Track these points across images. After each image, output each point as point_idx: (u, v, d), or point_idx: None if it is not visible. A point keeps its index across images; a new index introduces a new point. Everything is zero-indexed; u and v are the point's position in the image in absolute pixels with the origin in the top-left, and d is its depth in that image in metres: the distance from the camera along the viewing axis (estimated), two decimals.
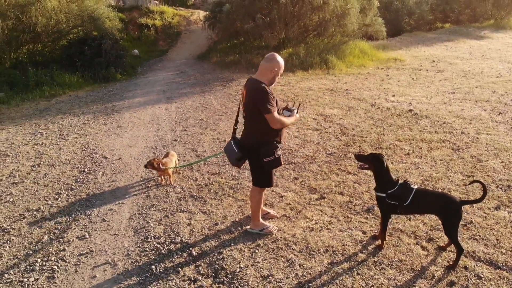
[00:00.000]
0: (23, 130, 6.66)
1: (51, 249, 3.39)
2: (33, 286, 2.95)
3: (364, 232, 3.50)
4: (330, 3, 11.51)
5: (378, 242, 3.31)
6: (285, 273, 3.00)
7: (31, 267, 3.15)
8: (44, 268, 3.15)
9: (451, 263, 3.02)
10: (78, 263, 3.20)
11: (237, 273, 3.02)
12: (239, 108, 3.32)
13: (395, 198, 3.02)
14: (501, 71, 10.46)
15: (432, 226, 3.52)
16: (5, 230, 3.68)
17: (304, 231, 3.54)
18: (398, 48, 14.95)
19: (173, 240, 3.46)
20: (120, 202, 4.19)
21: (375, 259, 3.13)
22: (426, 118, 6.55)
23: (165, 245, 3.40)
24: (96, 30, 12.32)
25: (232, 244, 3.39)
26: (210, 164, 5.11)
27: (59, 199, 4.28)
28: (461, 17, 21.54)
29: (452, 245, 3.07)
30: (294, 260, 3.15)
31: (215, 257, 3.22)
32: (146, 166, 4.36)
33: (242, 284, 2.90)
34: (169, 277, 3.00)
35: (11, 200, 4.27)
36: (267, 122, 3.04)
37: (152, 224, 3.73)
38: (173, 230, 3.62)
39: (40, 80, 9.69)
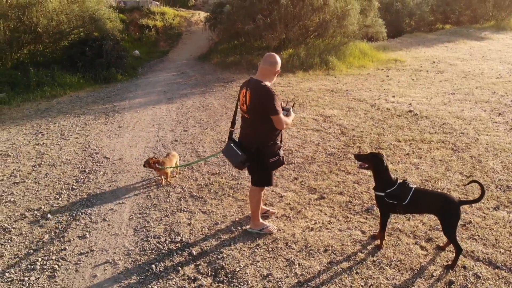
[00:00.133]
0: (24, 130, 6.69)
1: (51, 248, 3.41)
2: (34, 285, 2.97)
3: (363, 232, 3.51)
4: (331, 4, 11.53)
5: (377, 241, 3.32)
6: (284, 273, 3.02)
7: (32, 266, 3.17)
8: (45, 267, 3.16)
9: (450, 262, 3.03)
10: (79, 262, 3.22)
11: (236, 272, 3.03)
12: (236, 109, 3.33)
13: (394, 197, 3.04)
14: (501, 72, 10.47)
15: (431, 226, 3.53)
16: (6, 230, 3.70)
17: (304, 231, 3.55)
18: (399, 49, 14.97)
19: (173, 240, 3.48)
20: (121, 201, 4.21)
21: (374, 258, 3.14)
22: (426, 119, 6.57)
23: (165, 245, 3.42)
24: (97, 31, 12.37)
25: (232, 244, 3.40)
26: (210, 164, 5.13)
27: (60, 199, 4.31)
28: (461, 18, 21.55)
29: (451, 245, 3.08)
30: (294, 259, 3.16)
31: (215, 256, 3.24)
32: (144, 165, 4.43)
33: (242, 283, 2.91)
34: (169, 276, 3.02)
35: (12, 199, 4.29)
36: (271, 123, 3.07)
37: (152, 224, 3.75)
38: (173, 230, 3.63)
39: (41, 81, 9.73)
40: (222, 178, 4.71)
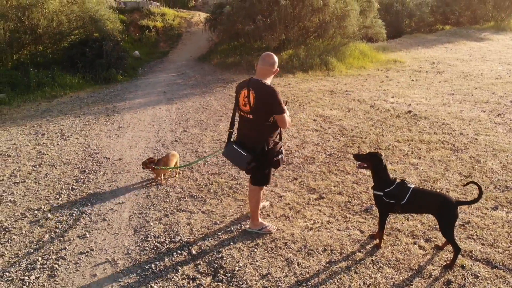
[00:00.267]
0: (25, 131, 6.70)
1: (51, 248, 3.42)
2: (34, 284, 2.98)
3: (362, 232, 3.52)
4: (330, 5, 11.56)
5: (376, 241, 3.33)
6: (283, 272, 3.03)
7: (32, 266, 3.18)
8: (45, 266, 3.18)
9: (448, 262, 3.04)
10: (79, 262, 3.23)
11: (236, 271, 3.05)
12: (234, 111, 3.31)
13: (392, 196, 3.06)
14: (501, 72, 10.49)
15: (430, 226, 3.54)
16: (7, 229, 3.71)
17: (303, 231, 3.57)
18: (398, 49, 14.99)
19: (172, 239, 3.49)
20: (121, 201, 4.22)
21: (373, 258, 3.15)
22: (425, 119, 6.58)
23: (165, 244, 3.43)
24: (97, 31, 12.40)
25: (231, 243, 3.41)
26: (209, 164, 5.15)
27: (60, 198, 4.32)
28: (461, 19, 21.59)
29: (450, 244, 3.09)
30: (293, 259, 3.17)
31: (214, 256, 3.25)
32: (142, 167, 4.52)
33: (241, 283, 2.93)
34: (168, 276, 3.03)
35: (12, 199, 4.31)
36: (273, 122, 3.12)
37: (152, 224, 3.76)
38: (173, 230, 3.65)
39: (41, 81, 9.75)
40: (221, 178, 4.72)
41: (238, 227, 3.66)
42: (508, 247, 3.25)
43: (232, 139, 3.37)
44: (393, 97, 8.16)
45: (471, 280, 2.89)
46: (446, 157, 5.04)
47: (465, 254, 3.16)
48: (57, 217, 3.93)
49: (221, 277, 2.99)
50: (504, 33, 19.21)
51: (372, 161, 3.15)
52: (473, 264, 3.05)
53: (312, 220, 3.73)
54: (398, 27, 19.30)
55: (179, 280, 2.98)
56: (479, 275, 2.93)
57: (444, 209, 2.94)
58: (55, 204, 4.19)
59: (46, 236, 3.61)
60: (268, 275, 3.00)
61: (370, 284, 2.88)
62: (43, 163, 5.30)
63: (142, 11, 19.10)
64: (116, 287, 2.93)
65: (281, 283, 2.91)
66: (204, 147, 5.73)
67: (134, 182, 4.69)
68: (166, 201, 4.20)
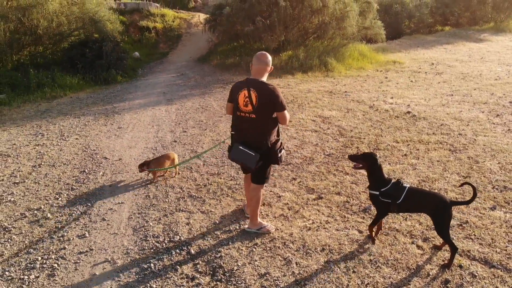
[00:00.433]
0: (24, 131, 6.72)
1: (51, 248, 3.43)
2: (34, 283, 2.99)
3: (360, 232, 3.54)
4: (330, 6, 11.60)
5: (371, 236, 3.37)
6: (282, 271, 3.04)
7: (32, 265, 3.19)
8: (45, 266, 3.19)
9: (446, 261, 3.06)
10: (78, 261, 3.24)
11: (234, 271, 3.06)
12: (234, 112, 3.29)
13: (388, 196, 3.09)
14: (500, 73, 10.52)
15: (428, 226, 3.56)
16: (6, 229, 3.73)
17: (301, 230, 3.58)
18: (398, 50, 15.03)
19: (172, 239, 3.51)
20: (120, 201, 4.23)
21: (371, 257, 3.17)
22: (424, 120, 6.60)
23: (164, 244, 3.44)
24: (97, 32, 12.42)
25: (230, 243, 3.43)
26: (209, 164, 5.16)
27: (60, 198, 4.33)
28: (461, 20, 21.64)
29: (443, 244, 3.12)
30: (291, 258, 3.19)
31: (213, 255, 3.26)
32: (139, 170, 4.63)
33: (240, 282, 2.94)
34: (167, 275, 3.04)
35: (12, 199, 4.32)
36: (274, 120, 3.20)
37: (151, 224, 3.78)
38: (172, 229, 3.66)
39: (41, 82, 9.77)
40: (220, 178, 4.73)
41: (237, 227, 3.67)
42: (506, 247, 3.26)
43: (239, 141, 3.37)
44: (392, 97, 8.18)
45: (468, 280, 2.90)
46: (444, 158, 5.06)
47: (463, 254, 3.18)
48: (57, 217, 3.95)
49: (219, 277, 3.01)
50: (504, 34, 19.26)
51: (367, 161, 3.19)
52: (471, 264, 3.07)
53: (310, 220, 3.75)
54: (397, 28, 19.33)
55: (178, 280, 2.99)
56: (476, 274, 2.95)
57: (438, 209, 2.97)
58: (54, 204, 4.20)
59: (46, 235, 3.62)
60: (267, 275, 3.01)
61: (368, 283, 2.89)
62: (43, 163, 5.31)
63: (142, 12, 19.14)
64: (115, 286, 2.94)
65: (279, 282, 2.93)
66: (203, 147, 5.74)
67: (133, 182, 4.71)
68: (165, 201, 4.21)
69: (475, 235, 3.43)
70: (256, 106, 3.10)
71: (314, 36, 13.18)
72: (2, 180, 4.82)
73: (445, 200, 2.99)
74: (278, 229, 3.60)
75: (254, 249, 3.33)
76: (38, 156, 5.57)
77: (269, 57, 3.23)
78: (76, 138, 6.33)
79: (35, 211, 4.06)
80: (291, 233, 3.54)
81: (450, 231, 3.42)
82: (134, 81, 11.59)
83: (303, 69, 11.11)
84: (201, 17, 20.42)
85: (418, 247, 3.29)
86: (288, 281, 2.94)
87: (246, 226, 3.63)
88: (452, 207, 3.00)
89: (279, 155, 3.28)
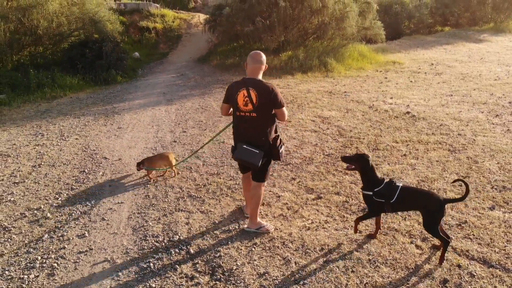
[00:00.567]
0: (24, 131, 6.73)
1: (51, 247, 3.44)
2: (33, 282, 3.00)
3: (359, 231, 3.54)
4: (329, 7, 11.61)
5: (373, 240, 3.37)
6: (281, 271, 3.05)
7: (32, 264, 3.20)
8: (44, 265, 3.20)
9: (444, 261, 3.07)
10: (78, 261, 3.25)
11: (233, 270, 3.07)
12: (235, 112, 3.32)
13: (382, 196, 3.12)
14: (499, 73, 10.53)
15: None
16: (6, 229, 3.74)
17: (301, 230, 3.59)
18: (397, 51, 15.04)
19: (171, 239, 3.51)
20: (120, 201, 4.24)
21: (370, 257, 3.17)
22: (423, 120, 6.61)
23: (163, 243, 3.45)
24: (97, 33, 12.43)
25: (229, 243, 3.44)
26: (208, 164, 5.17)
27: (60, 198, 4.34)
28: (460, 21, 21.66)
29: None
30: (290, 258, 3.19)
31: (212, 255, 3.27)
32: (137, 168, 4.73)
33: (239, 281, 2.95)
34: (166, 274, 3.05)
35: (12, 199, 4.33)
36: (273, 117, 3.27)
37: (150, 223, 3.78)
38: (171, 229, 3.67)
39: (41, 82, 9.79)
40: (220, 178, 4.74)
41: (236, 227, 3.68)
42: (505, 246, 3.27)
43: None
44: (391, 98, 8.20)
45: (467, 279, 2.91)
46: (443, 158, 5.07)
47: (461, 253, 3.18)
48: (57, 216, 3.96)
49: (219, 276, 3.01)
50: (503, 35, 19.28)
51: (359, 163, 3.23)
52: (470, 263, 3.07)
53: (310, 220, 3.75)
54: (397, 28, 19.35)
55: (177, 279, 3.00)
56: (475, 274, 2.95)
57: (432, 207, 3.01)
58: (54, 204, 4.21)
59: (46, 235, 3.63)
60: (266, 274, 3.02)
61: (367, 283, 2.90)
62: (42, 163, 5.32)
63: (142, 12, 19.15)
64: (114, 285, 2.95)
65: (278, 282, 2.93)
66: (203, 147, 5.74)
67: (133, 182, 4.72)
68: (165, 201, 4.22)
69: (474, 235, 3.43)
70: (257, 104, 3.15)
71: (313, 37, 13.20)
72: (2, 180, 4.83)
73: (438, 198, 3.04)
74: (277, 229, 3.61)
75: (253, 249, 3.34)
76: (38, 156, 5.58)
77: (264, 56, 3.28)
78: (76, 138, 6.34)
79: (35, 211, 4.07)
80: (290, 232, 3.55)
81: (449, 231, 3.44)
82: (134, 82, 11.60)
83: (302, 70, 11.12)
84: (201, 17, 20.43)
85: (417, 246, 3.29)
86: (287, 280, 2.95)
87: (246, 226, 3.64)
88: (446, 205, 3.04)
89: (280, 151, 3.34)
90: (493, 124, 6.33)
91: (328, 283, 2.91)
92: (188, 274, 3.04)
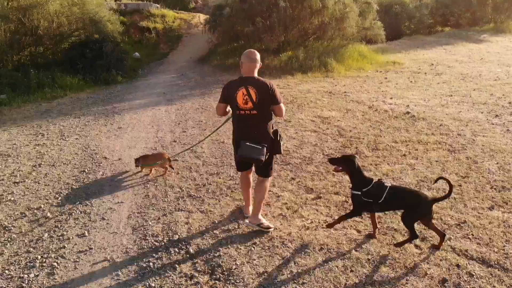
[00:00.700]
0: (25, 131, 6.74)
1: (51, 247, 3.45)
2: (33, 282, 3.01)
3: (358, 231, 3.55)
4: (329, 7, 11.62)
5: (373, 240, 3.38)
6: (280, 270, 3.06)
7: (32, 264, 3.21)
8: (44, 264, 3.21)
9: (443, 261, 3.08)
10: (78, 260, 3.26)
11: (233, 270, 3.08)
12: (234, 111, 3.34)
13: (370, 195, 3.16)
14: (499, 74, 10.53)
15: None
16: (6, 228, 3.75)
17: (300, 230, 3.59)
18: (397, 51, 15.03)
19: (171, 238, 3.52)
20: (119, 201, 4.25)
21: (369, 257, 3.18)
22: (423, 120, 6.62)
23: (163, 243, 3.46)
24: (97, 33, 12.45)
25: (229, 242, 3.44)
26: (208, 164, 5.18)
27: (60, 198, 4.35)
28: (461, 21, 21.63)
29: (446, 243, 3.17)
30: (290, 257, 3.20)
31: (212, 254, 3.28)
32: (135, 164, 4.83)
33: (238, 281, 2.95)
34: (166, 274, 3.06)
35: (12, 199, 4.34)
36: (271, 113, 3.34)
37: (150, 223, 3.79)
38: (171, 229, 3.68)
39: (41, 82, 9.81)
40: (220, 178, 4.75)
41: (236, 226, 3.69)
42: (504, 246, 3.27)
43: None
44: (391, 98, 8.20)
45: (466, 279, 2.91)
46: (443, 158, 5.07)
47: (460, 253, 3.19)
48: (57, 216, 3.97)
49: (218, 275, 3.02)
50: (503, 35, 19.26)
51: (346, 164, 3.29)
52: (469, 263, 3.08)
53: (309, 220, 3.76)
54: (397, 29, 19.32)
55: (177, 278, 3.01)
56: (474, 273, 2.96)
57: (419, 206, 3.09)
58: (54, 204, 4.22)
59: (46, 235, 3.64)
60: (265, 274, 3.02)
61: (366, 282, 2.90)
62: (43, 163, 5.33)
63: (142, 12, 19.17)
64: (114, 284, 2.96)
65: (277, 281, 2.94)
66: (203, 147, 5.76)
67: (133, 182, 4.72)
68: (165, 201, 4.23)
69: (473, 235, 3.44)
70: (257, 102, 3.20)
71: (313, 37, 13.20)
72: (2, 179, 4.84)
73: (426, 197, 3.12)
74: (276, 229, 3.62)
75: (252, 248, 3.34)
76: (38, 156, 5.59)
77: (258, 54, 3.33)
78: (76, 138, 6.35)
79: (35, 211, 4.08)
80: (289, 232, 3.56)
81: (448, 231, 3.46)
82: (134, 82, 11.61)
83: (302, 70, 11.12)
84: (201, 17, 20.44)
85: (416, 246, 3.30)
86: (286, 280, 2.95)
87: (247, 220, 3.65)
88: (433, 204, 3.14)
89: (281, 143, 3.42)
90: (493, 124, 6.34)
91: (327, 282, 2.92)
92: (188, 274, 3.05)
